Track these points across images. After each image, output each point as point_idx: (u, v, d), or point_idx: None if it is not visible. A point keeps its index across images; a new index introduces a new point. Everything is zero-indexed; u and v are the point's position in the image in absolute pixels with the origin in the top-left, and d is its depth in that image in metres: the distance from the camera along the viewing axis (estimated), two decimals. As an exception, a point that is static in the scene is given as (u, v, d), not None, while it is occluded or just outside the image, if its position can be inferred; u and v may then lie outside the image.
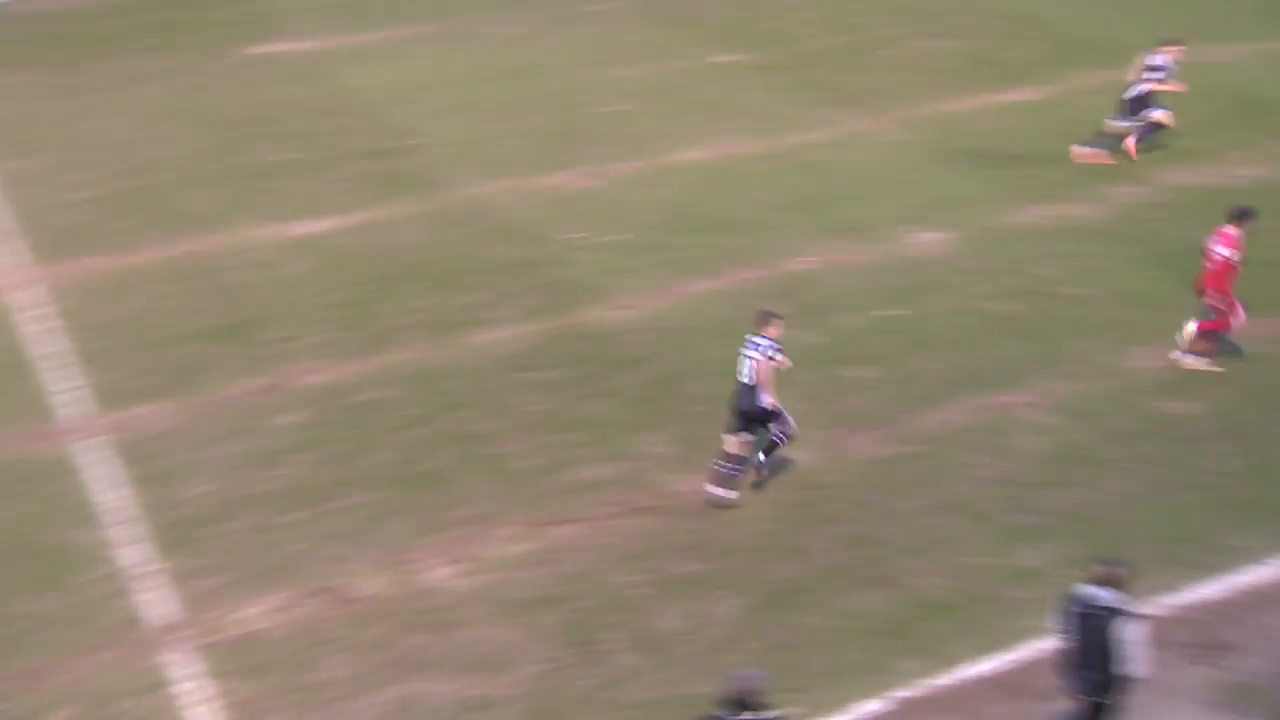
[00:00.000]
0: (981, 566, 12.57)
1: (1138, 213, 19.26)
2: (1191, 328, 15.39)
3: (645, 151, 22.24)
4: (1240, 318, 15.24)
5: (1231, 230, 15.15)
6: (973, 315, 16.92)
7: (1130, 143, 20.81)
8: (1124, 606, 9.73)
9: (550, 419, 15.08)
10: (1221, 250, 15.09)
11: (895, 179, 20.75)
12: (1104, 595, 9.75)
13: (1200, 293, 15.41)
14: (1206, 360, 15.45)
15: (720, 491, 13.34)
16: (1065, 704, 10.12)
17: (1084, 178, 20.38)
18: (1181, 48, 20.69)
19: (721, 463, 13.35)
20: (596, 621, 12.02)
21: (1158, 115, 20.63)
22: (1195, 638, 11.46)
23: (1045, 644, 10.84)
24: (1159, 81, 20.47)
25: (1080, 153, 20.85)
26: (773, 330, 13.13)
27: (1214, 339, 15.46)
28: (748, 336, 13.21)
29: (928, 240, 18.82)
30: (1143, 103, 20.63)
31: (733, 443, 13.30)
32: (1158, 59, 20.54)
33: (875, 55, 26.11)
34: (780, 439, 13.36)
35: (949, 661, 11.42)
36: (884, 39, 26.94)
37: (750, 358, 13.03)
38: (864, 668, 11.37)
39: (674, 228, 19.61)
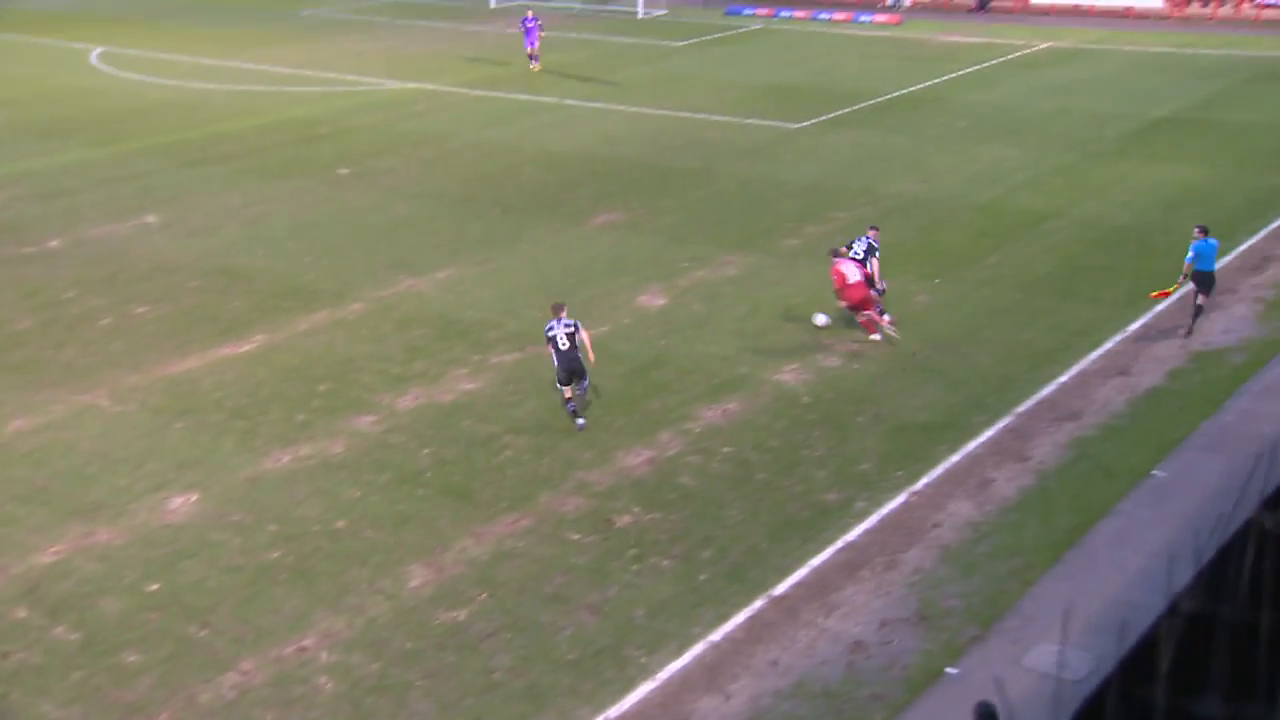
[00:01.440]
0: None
1: (378, 440, 19.95)
2: (884, 321, 22.75)
3: None
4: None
5: (843, 259, 22.35)
6: (240, 572, 16.49)
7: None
8: None
9: None
10: (855, 273, 22.13)
11: (131, 450, 19.85)
12: None
13: (853, 305, 22.42)
14: (889, 324, 22.79)
15: (581, 420, 19.79)
16: None
17: (320, 419, 20.76)
18: (877, 231, 24.06)
19: (569, 406, 19.81)
20: None
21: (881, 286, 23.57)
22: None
23: None
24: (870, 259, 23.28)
25: (882, 322, 23.36)
26: (565, 310, 19.72)
27: (873, 318, 22.49)
28: (554, 321, 19.40)
29: (178, 505, 18.16)
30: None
31: (569, 390, 19.73)
32: (868, 240, 23.39)
33: (86, 328, 25.02)
34: (585, 389, 20.15)
35: None
36: (91, 311, 25.93)
37: (570, 333, 19.34)
38: None
39: (-118, 548, 17.26)
